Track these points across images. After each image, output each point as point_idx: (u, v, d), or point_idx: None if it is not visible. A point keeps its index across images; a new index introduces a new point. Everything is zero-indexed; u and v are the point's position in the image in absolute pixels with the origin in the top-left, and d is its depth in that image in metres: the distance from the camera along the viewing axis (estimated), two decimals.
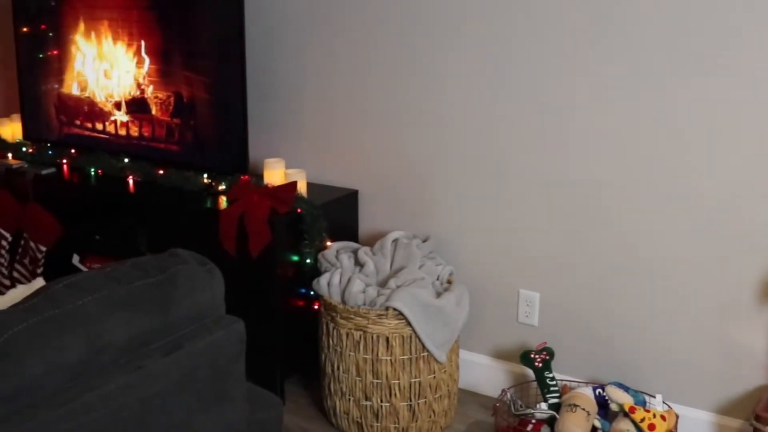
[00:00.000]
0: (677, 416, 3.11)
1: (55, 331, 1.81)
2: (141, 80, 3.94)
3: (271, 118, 3.90)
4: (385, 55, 3.63)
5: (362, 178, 3.79)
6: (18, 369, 1.73)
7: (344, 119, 3.78)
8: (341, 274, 3.35)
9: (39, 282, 2.39)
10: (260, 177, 3.70)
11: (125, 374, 1.88)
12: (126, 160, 4.03)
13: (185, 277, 2.05)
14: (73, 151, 4.24)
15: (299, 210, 3.48)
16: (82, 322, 1.85)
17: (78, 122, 4.25)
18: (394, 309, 3.18)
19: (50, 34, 4.27)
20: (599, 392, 3.21)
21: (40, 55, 4.32)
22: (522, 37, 3.30)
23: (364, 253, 3.45)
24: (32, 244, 4.10)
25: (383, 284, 3.37)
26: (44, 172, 4.12)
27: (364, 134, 3.75)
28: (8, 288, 4.24)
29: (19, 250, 4.19)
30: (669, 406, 3.14)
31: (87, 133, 4.22)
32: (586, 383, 3.34)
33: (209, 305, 2.09)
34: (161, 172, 3.88)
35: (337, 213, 3.68)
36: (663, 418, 3.02)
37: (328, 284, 3.34)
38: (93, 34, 4.06)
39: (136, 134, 4.01)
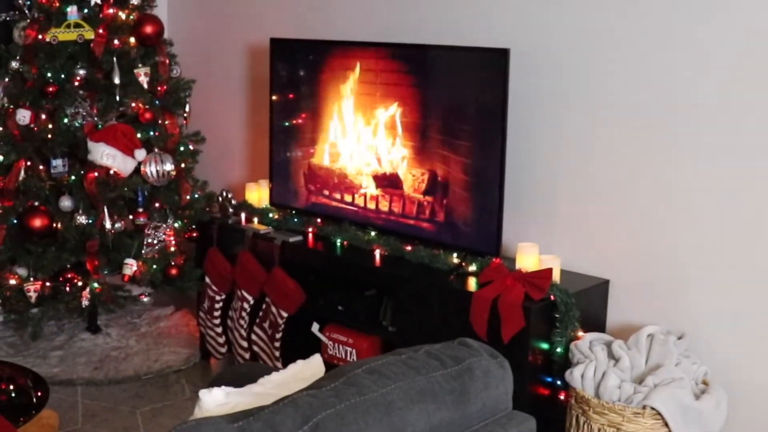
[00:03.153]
0: None
1: (362, 418, 1.85)
2: (396, 156, 4.04)
3: (523, 202, 3.91)
4: (642, 141, 3.60)
5: (614, 267, 3.75)
6: None
7: (598, 206, 3.76)
8: (596, 367, 3.30)
9: (317, 358, 2.45)
10: (510, 260, 3.71)
11: None
12: (373, 233, 4.12)
13: (480, 370, 2.06)
14: (318, 220, 4.37)
15: (552, 297, 3.46)
16: (387, 411, 1.89)
17: (326, 192, 4.39)
18: (652, 408, 3.11)
19: (304, 105, 4.45)
20: None
21: (293, 125, 4.51)
22: None
23: (618, 346, 3.39)
24: (274, 309, 4.24)
25: (638, 381, 3.29)
26: (292, 239, 4.26)
27: (618, 223, 3.71)
28: (245, 350, 4.40)
29: (260, 313, 4.34)
30: None
31: (334, 203, 4.36)
32: None
33: (502, 400, 2.10)
34: (409, 247, 3.94)
35: (586, 302, 3.63)
36: None
37: (581, 376, 3.30)
38: (349, 107, 4.20)
39: (385, 209, 4.11)
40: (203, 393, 2.19)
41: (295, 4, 4.85)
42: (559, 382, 3.50)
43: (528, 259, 3.64)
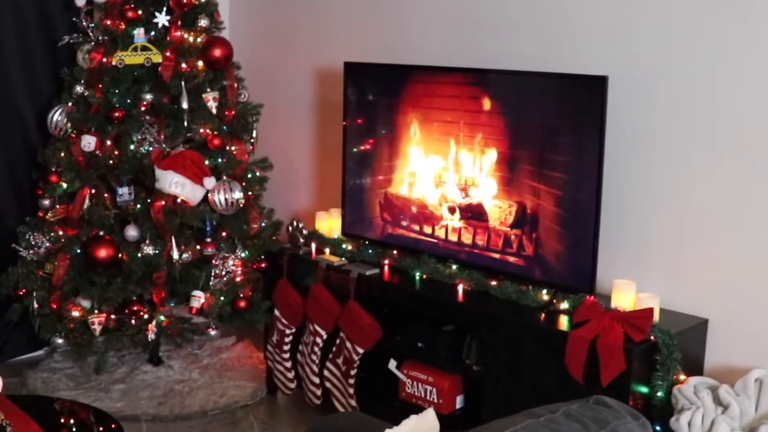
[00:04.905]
0: None
1: None
2: (480, 187, 3.94)
3: (614, 235, 3.79)
4: (744, 172, 3.50)
5: (714, 305, 3.63)
6: None
7: (695, 240, 3.65)
8: (703, 415, 3.18)
9: (430, 413, 2.35)
10: (602, 297, 3.61)
11: None
12: (454, 266, 4.02)
13: None
14: (394, 252, 4.28)
15: (653, 338, 3.35)
16: None
17: (404, 223, 4.30)
18: None
19: (380, 132, 4.37)
20: None
21: (368, 152, 4.43)
22: None
23: (725, 392, 3.27)
24: (348, 344, 4.15)
25: (748, 429, 3.17)
26: (368, 272, 4.16)
27: (717, 257, 3.60)
28: (317, 386, 4.31)
29: (333, 349, 4.25)
30: None
31: (413, 235, 4.27)
32: None
33: None
34: (494, 282, 3.84)
35: (684, 343, 3.51)
36: None
37: (688, 424, 3.18)
38: (430, 135, 4.11)
39: (468, 241, 4.01)
40: None
41: (369, 27, 4.77)
42: (659, 428, 3.38)
43: (624, 298, 3.54)
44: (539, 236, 3.76)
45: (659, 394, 3.37)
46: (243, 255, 4.60)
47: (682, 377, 3.39)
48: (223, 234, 4.64)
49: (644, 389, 3.39)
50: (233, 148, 4.64)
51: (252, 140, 4.80)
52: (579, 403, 2.02)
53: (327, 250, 4.50)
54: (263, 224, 4.74)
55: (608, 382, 3.31)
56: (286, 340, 4.48)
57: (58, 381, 4.77)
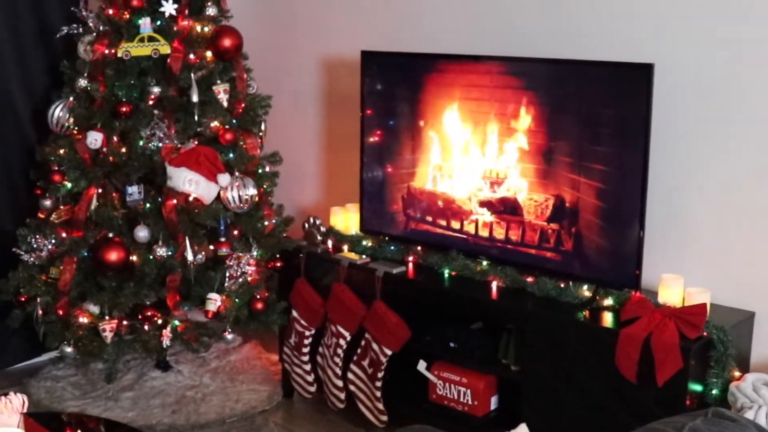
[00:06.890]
0: None
1: None
2: (514, 180, 3.87)
3: (655, 228, 3.73)
4: None
5: (761, 298, 3.59)
6: None
7: (742, 234, 3.61)
8: (767, 413, 3.14)
9: (523, 429, 2.29)
10: (646, 293, 3.56)
11: None
12: (485, 263, 3.95)
13: None
14: (419, 248, 4.20)
15: (705, 334, 3.31)
16: None
17: (429, 218, 4.22)
18: None
19: (401, 124, 4.28)
20: None
21: (388, 145, 4.34)
22: None
23: None
24: (375, 346, 4.07)
25: None
26: (395, 270, 4.08)
27: (764, 251, 3.56)
28: (340, 390, 4.23)
29: (358, 351, 4.17)
30: None
31: (439, 230, 4.19)
32: None
33: None
34: (529, 279, 3.78)
35: (733, 338, 3.47)
36: None
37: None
38: (458, 127, 4.04)
39: (501, 237, 3.94)
40: None
41: (382, 13, 4.67)
42: None
43: (672, 293, 3.49)
44: (579, 230, 3.69)
45: (714, 391, 3.33)
46: (257, 254, 4.48)
47: (737, 374, 3.35)
48: (235, 232, 4.52)
49: (698, 387, 3.34)
50: (243, 142, 4.53)
51: (260, 134, 4.69)
52: (701, 417, 1.95)
53: (345, 248, 4.42)
54: (274, 221, 4.63)
55: (664, 381, 3.26)
56: (306, 342, 4.39)
57: (63, 390, 4.65)
